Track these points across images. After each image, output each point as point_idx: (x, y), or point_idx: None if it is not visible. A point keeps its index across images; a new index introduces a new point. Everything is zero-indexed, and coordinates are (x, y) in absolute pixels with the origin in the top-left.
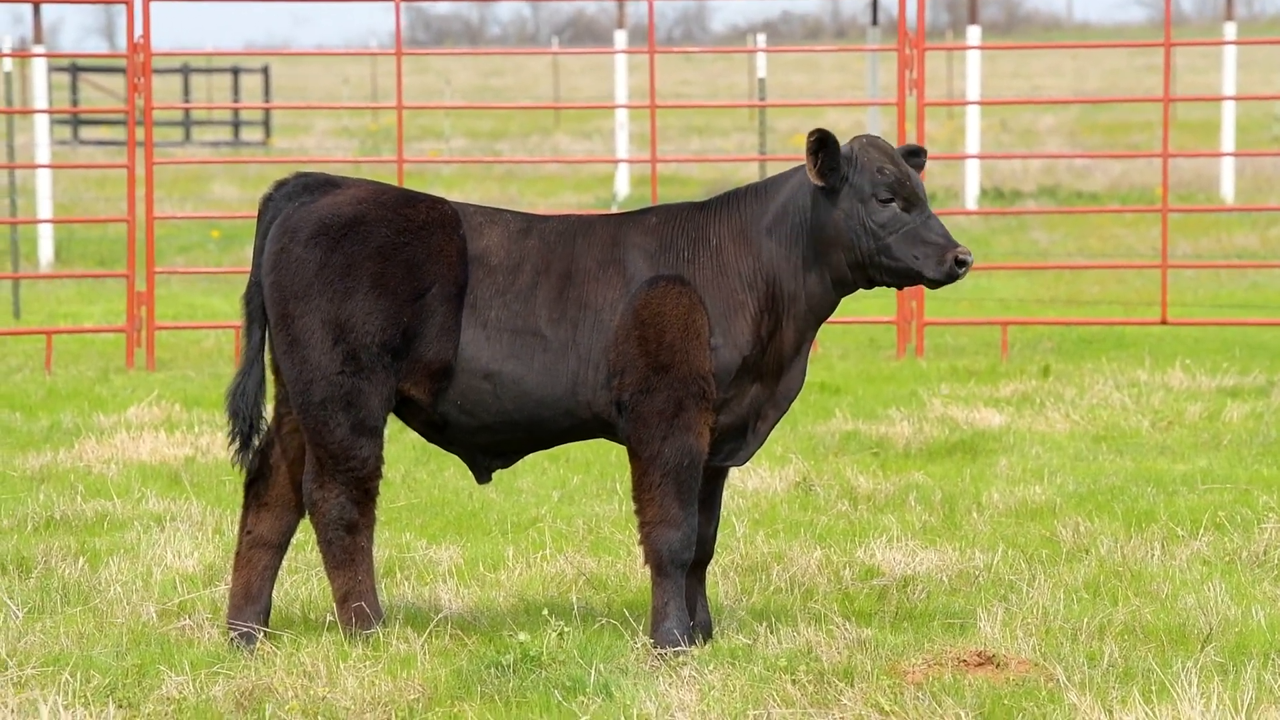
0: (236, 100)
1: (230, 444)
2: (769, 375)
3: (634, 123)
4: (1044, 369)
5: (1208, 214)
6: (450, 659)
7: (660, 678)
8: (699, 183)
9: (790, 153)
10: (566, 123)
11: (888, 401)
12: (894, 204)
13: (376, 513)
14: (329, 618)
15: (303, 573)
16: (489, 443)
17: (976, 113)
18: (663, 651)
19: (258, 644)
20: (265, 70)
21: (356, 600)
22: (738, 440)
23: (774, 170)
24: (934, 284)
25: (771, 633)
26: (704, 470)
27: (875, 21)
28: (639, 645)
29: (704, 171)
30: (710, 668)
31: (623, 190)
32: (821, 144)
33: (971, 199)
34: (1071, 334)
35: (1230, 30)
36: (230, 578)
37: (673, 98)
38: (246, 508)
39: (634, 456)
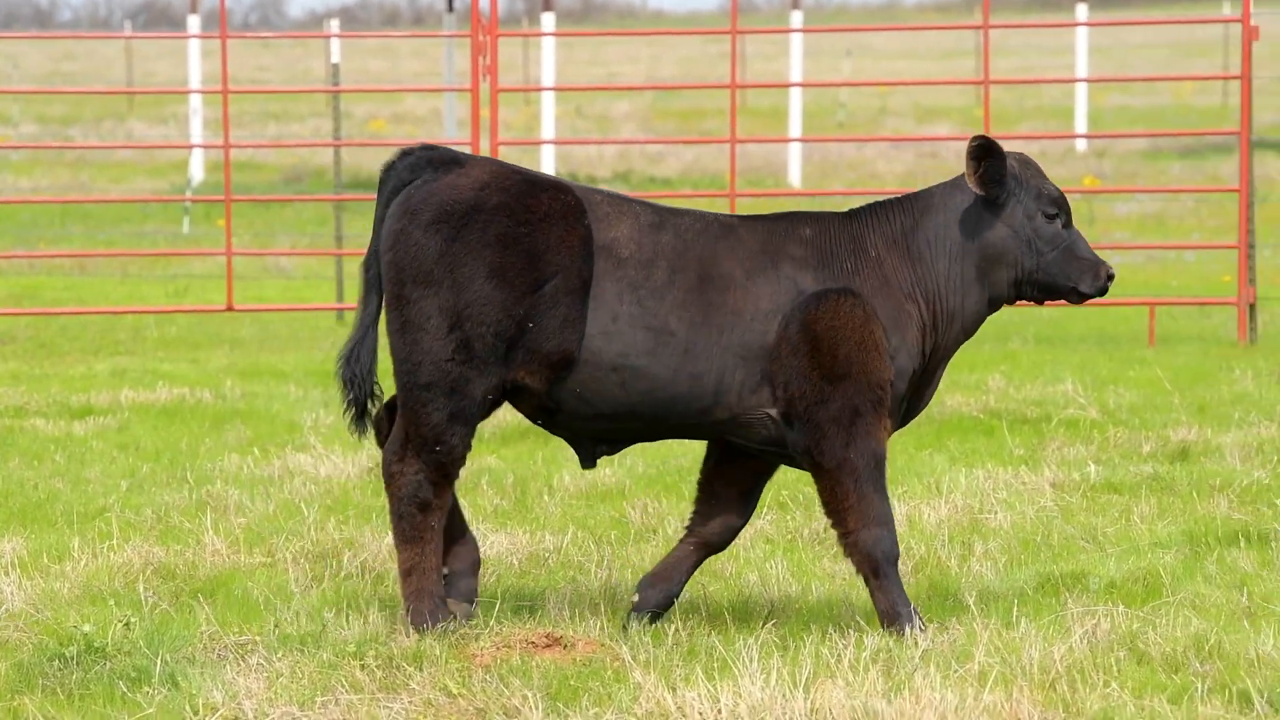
0: None
1: (345, 411)
2: (909, 393)
3: (209, 108)
4: None
5: (775, 198)
6: (12, 652)
7: (227, 666)
8: (275, 168)
9: (366, 138)
10: (141, 108)
11: None
12: (1058, 220)
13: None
14: None
15: None
16: (603, 430)
17: (551, 99)
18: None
19: (475, 614)
20: None
21: (420, 575)
22: None
23: (350, 155)
24: (1083, 299)
25: (342, 619)
26: (762, 467)
27: (451, 8)
28: (206, 634)
29: (280, 157)
30: (278, 654)
31: (197, 176)
32: (987, 152)
33: None
34: None
35: (797, 19)
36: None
37: (249, 83)
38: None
39: (818, 469)
